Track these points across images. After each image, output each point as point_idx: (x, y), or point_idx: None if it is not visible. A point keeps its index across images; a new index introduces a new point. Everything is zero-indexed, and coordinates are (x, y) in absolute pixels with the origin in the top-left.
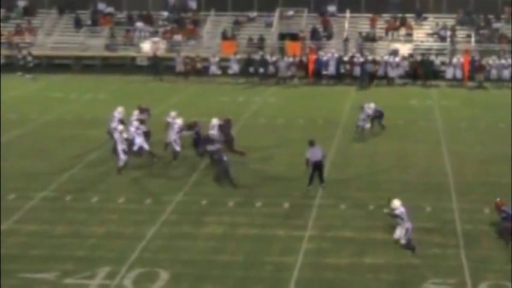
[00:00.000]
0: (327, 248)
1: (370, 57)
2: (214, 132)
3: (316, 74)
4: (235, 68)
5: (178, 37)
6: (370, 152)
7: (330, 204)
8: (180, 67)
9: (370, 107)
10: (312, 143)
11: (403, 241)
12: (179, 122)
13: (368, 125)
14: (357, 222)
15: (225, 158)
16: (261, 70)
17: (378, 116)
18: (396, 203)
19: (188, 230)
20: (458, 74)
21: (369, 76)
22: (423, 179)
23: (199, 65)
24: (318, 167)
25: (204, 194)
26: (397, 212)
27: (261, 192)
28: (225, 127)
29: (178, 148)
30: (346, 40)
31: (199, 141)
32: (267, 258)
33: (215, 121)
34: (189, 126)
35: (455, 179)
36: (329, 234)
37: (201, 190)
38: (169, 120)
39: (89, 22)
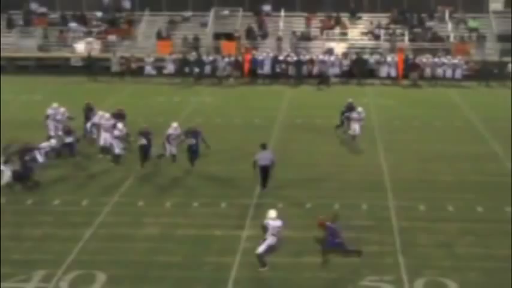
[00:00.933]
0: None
1: (306, 57)
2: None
3: (251, 74)
4: (170, 68)
5: (112, 37)
6: (307, 151)
7: (268, 203)
8: (115, 67)
9: (359, 111)
10: (264, 146)
11: (258, 251)
12: (120, 126)
13: (357, 130)
14: (295, 221)
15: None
16: (197, 70)
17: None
18: (271, 214)
19: (125, 231)
20: (393, 73)
21: (325, 77)
22: (360, 177)
23: (134, 65)
24: (264, 171)
25: (140, 195)
26: (265, 223)
27: (198, 193)
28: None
29: (118, 150)
30: (279, 39)
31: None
32: (206, 259)
33: (175, 125)
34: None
35: (392, 176)
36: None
37: (137, 191)
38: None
39: (21, 22)
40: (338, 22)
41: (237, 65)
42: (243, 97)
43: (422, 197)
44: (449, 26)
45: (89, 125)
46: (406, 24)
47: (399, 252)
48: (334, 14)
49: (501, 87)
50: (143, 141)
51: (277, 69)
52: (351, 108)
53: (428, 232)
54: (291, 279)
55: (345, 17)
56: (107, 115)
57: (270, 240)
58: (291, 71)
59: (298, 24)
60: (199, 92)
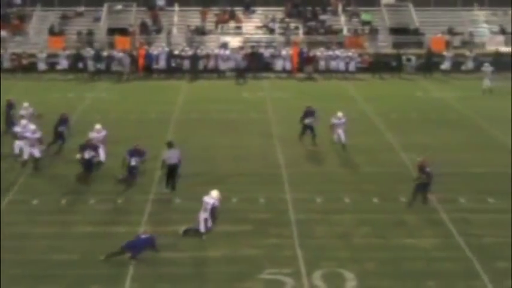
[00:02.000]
0: (163, 243)
1: (203, 51)
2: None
3: (147, 69)
4: (64, 63)
5: (3, 33)
6: (205, 145)
7: (165, 199)
8: (6, 64)
9: (338, 116)
10: (170, 145)
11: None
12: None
13: (342, 137)
14: (194, 216)
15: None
16: (91, 65)
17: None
18: (211, 193)
19: (21, 230)
20: (288, 66)
21: (241, 70)
22: (257, 171)
23: (25, 62)
24: (172, 170)
25: (34, 193)
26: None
27: (93, 189)
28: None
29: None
30: (169, 33)
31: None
32: (103, 256)
33: (99, 126)
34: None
35: (288, 169)
36: (165, 229)
37: (31, 189)
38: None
39: None
40: (232, 16)
41: (132, 60)
42: (138, 92)
43: (318, 189)
44: (343, 19)
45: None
46: (300, 17)
47: (297, 245)
48: (229, 8)
49: (394, 79)
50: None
51: (173, 64)
52: (309, 113)
53: (325, 224)
54: (191, 274)
55: (239, 11)
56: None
57: (201, 215)
58: (186, 65)
59: (193, 18)
60: (94, 88)
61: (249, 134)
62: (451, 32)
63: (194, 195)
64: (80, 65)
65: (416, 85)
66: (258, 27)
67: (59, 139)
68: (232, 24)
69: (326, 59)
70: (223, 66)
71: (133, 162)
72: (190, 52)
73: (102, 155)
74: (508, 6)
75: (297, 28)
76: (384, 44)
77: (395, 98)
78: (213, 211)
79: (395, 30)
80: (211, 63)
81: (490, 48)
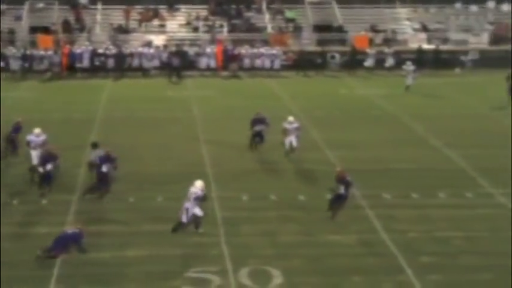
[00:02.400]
0: (87, 243)
1: (127, 50)
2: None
3: (70, 68)
4: None
5: None
6: (129, 144)
7: (89, 198)
8: None
9: (290, 121)
10: (94, 146)
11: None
12: None
13: (294, 143)
14: (118, 215)
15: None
16: (14, 64)
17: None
18: (197, 184)
19: None
20: (212, 64)
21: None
22: (182, 169)
23: None
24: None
25: None
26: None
27: (16, 190)
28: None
29: None
30: (90, 32)
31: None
32: (26, 257)
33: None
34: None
35: (214, 168)
36: (89, 228)
37: None
38: None
39: None
40: (156, 14)
41: (55, 58)
42: (62, 91)
43: (244, 187)
44: (267, 16)
45: None
46: (224, 15)
47: (223, 243)
48: (152, 6)
49: (319, 77)
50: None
51: (96, 63)
52: (258, 120)
53: (252, 222)
54: (115, 273)
55: (163, 9)
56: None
57: (185, 204)
58: (111, 64)
59: (116, 16)
60: (17, 87)
61: (174, 133)
62: (373, 29)
63: (119, 195)
64: (2, 64)
65: (340, 82)
66: (182, 26)
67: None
68: (156, 22)
69: (251, 57)
70: (147, 64)
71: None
72: (114, 51)
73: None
74: (429, 3)
75: (221, 26)
76: (308, 42)
77: (319, 96)
78: (197, 200)
79: (319, 28)
80: (135, 62)
81: (413, 45)
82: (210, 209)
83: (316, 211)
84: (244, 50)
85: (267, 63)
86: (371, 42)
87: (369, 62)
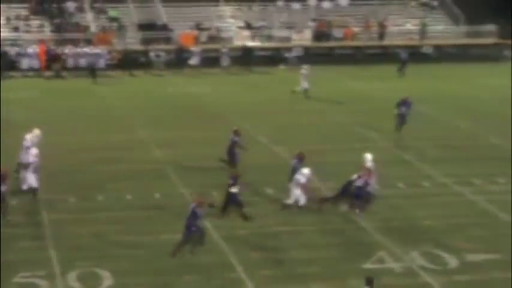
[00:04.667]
0: None
1: None
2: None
3: None
4: None
5: None
6: None
7: None
8: None
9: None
10: None
11: None
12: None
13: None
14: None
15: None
16: None
17: None
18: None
19: None
20: (35, 64)
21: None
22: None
23: None
24: None
25: None
26: None
27: None
28: None
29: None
30: None
31: None
32: None
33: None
34: None
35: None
36: None
37: None
38: None
39: None
40: None
41: None
42: None
43: (71, 189)
44: (90, 16)
45: None
46: (46, 15)
47: (51, 246)
48: None
49: (145, 76)
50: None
51: None
52: None
53: (80, 223)
54: None
55: None
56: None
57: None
58: None
59: None
60: None
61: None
62: (198, 27)
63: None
64: None
65: (167, 81)
66: (2, 25)
67: None
68: None
69: (74, 57)
70: None
71: None
72: None
73: None
74: (252, 1)
75: (42, 26)
76: (133, 41)
77: (146, 94)
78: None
79: (143, 27)
80: None
81: (237, 43)
82: (37, 212)
83: (144, 210)
84: (67, 49)
85: (92, 63)
86: (196, 40)
87: (194, 60)
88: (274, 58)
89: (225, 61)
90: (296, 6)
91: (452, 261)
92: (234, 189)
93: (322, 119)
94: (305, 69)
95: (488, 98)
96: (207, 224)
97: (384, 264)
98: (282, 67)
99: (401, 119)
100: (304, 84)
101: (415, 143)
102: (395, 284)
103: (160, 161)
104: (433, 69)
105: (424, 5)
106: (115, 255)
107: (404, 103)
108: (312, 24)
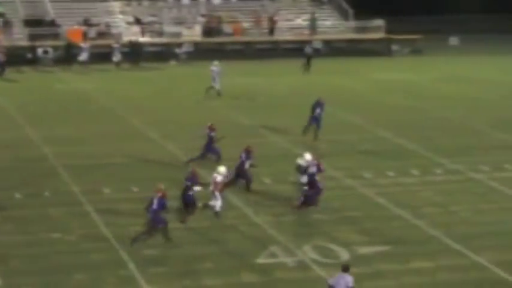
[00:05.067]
0: None
1: None
2: None
3: None
4: None
5: None
6: None
7: None
8: None
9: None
10: None
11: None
12: None
13: None
14: None
15: None
16: None
17: None
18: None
19: None
20: None
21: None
22: None
23: None
24: None
25: None
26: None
27: None
28: None
29: None
30: None
31: None
32: None
33: None
34: None
35: None
36: None
37: None
38: None
39: None
40: None
41: None
42: None
43: None
44: None
45: None
46: None
47: None
48: None
49: (32, 72)
50: None
51: None
52: None
53: None
54: None
55: None
56: None
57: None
58: None
59: None
60: None
61: None
62: (87, 23)
63: None
64: None
65: (55, 77)
66: None
67: None
68: None
69: None
70: None
71: None
72: None
73: None
74: None
75: None
76: (19, 37)
77: (34, 91)
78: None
79: (30, 22)
80: None
81: (127, 38)
82: None
83: (34, 209)
84: None
85: None
86: (84, 36)
87: (83, 56)
88: (164, 54)
89: (116, 57)
90: (186, 1)
91: (344, 254)
92: (195, 189)
93: (214, 115)
94: (215, 65)
95: (376, 92)
96: (99, 222)
97: (277, 259)
98: (172, 63)
99: (317, 122)
100: (215, 82)
101: (305, 138)
102: (287, 278)
103: (49, 159)
104: (324, 64)
105: (314, 0)
106: (4, 255)
107: (318, 104)
108: (201, 19)
